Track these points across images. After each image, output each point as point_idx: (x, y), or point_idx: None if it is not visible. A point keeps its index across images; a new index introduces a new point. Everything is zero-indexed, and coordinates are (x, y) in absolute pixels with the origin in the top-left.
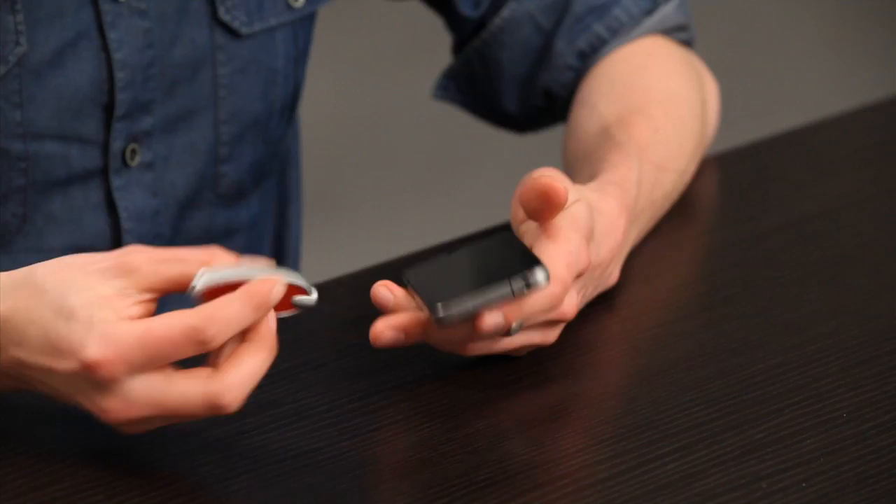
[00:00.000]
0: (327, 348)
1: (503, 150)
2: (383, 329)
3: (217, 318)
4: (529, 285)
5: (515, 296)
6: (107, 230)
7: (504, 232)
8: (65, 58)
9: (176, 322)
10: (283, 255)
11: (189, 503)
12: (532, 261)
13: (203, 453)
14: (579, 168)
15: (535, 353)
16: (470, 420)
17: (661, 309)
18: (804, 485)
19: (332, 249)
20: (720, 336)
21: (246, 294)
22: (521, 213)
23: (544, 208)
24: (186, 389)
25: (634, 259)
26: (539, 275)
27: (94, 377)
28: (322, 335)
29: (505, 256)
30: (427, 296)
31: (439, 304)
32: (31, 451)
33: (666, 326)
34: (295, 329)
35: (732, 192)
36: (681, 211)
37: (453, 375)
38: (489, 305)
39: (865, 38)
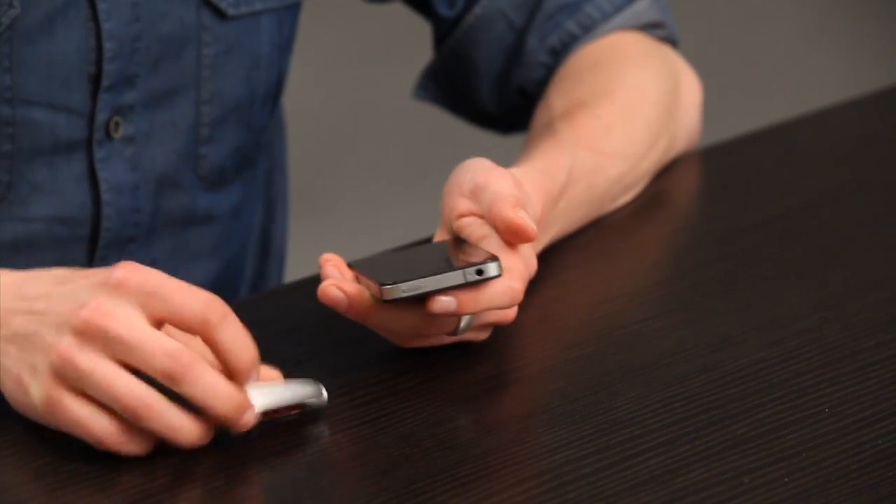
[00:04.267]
0: (309, 344)
1: (486, 146)
2: (329, 286)
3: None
4: (481, 272)
5: (467, 282)
6: (88, 202)
7: (454, 238)
8: (55, 24)
9: (187, 311)
10: (268, 254)
11: (171, 499)
12: (486, 254)
13: (184, 449)
14: (522, 157)
15: (518, 350)
16: (452, 416)
17: (642, 304)
18: (786, 479)
19: (316, 244)
20: (702, 332)
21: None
22: (462, 206)
23: (510, 239)
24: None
25: (616, 255)
26: (492, 266)
27: (110, 281)
28: (304, 331)
29: (456, 251)
30: (376, 275)
31: (389, 282)
32: (12, 447)
33: (647, 322)
34: (277, 325)
35: (713, 188)
36: (662, 206)
37: (436, 371)
38: (439, 290)
39: (846, 34)
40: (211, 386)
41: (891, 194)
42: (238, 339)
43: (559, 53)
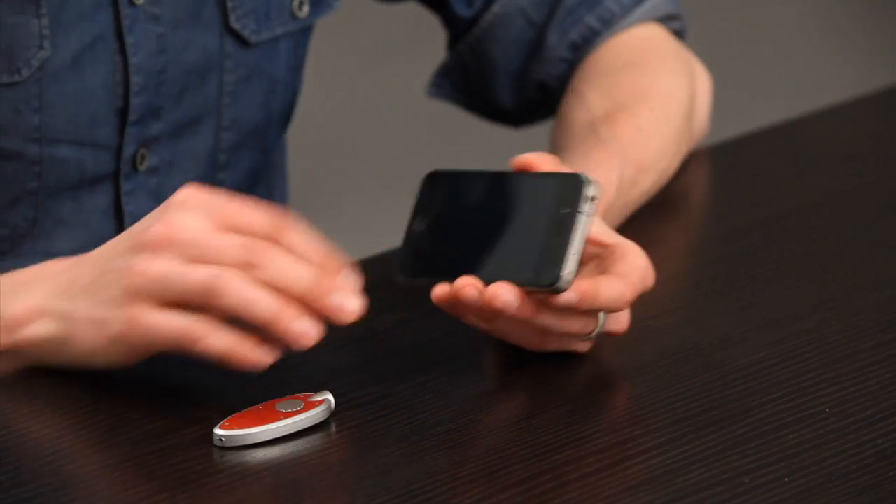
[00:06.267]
0: None
1: (487, 147)
2: (466, 284)
3: (268, 254)
4: (594, 198)
5: (589, 216)
6: (113, 234)
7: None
8: (83, 62)
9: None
10: None
11: (171, 499)
12: (569, 178)
13: (185, 449)
14: (564, 158)
15: (518, 350)
16: (453, 416)
17: (643, 304)
18: (787, 479)
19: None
20: (702, 331)
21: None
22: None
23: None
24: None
25: None
26: (593, 184)
27: (173, 201)
28: None
29: (523, 192)
30: (520, 274)
31: (560, 272)
32: (12, 447)
33: (648, 322)
34: None
35: (715, 188)
36: (663, 206)
37: (436, 371)
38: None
39: (846, 34)
40: (288, 266)
41: (891, 194)
42: (290, 272)
43: (580, 48)
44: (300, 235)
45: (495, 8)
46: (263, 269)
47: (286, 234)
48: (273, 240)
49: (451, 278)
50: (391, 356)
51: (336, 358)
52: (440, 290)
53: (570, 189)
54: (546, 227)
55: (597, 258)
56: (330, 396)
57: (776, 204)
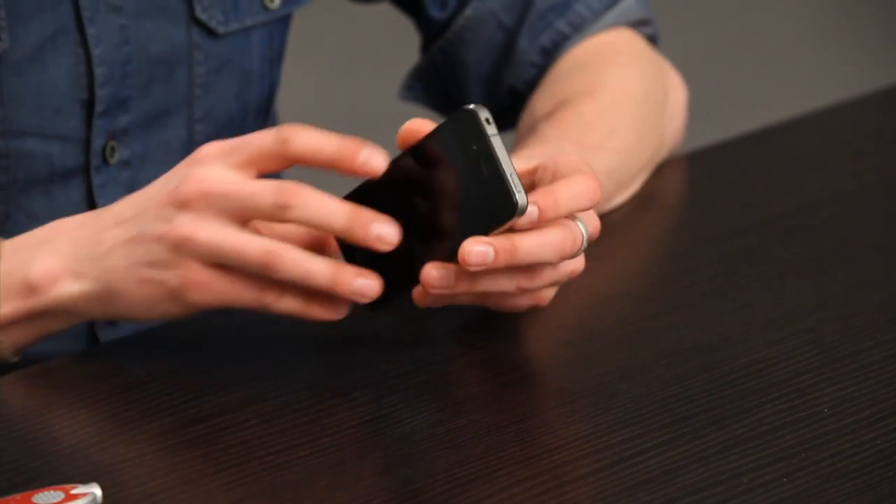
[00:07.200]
0: (309, 344)
1: None
2: (431, 269)
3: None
4: (489, 120)
5: (497, 136)
6: None
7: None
8: (44, 54)
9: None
10: None
11: (171, 499)
12: (456, 118)
13: (184, 449)
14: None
15: (517, 350)
16: (452, 416)
17: (641, 304)
18: (785, 480)
19: None
20: (701, 332)
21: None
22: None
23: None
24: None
25: (614, 254)
26: (480, 108)
27: (191, 161)
28: (303, 331)
29: (427, 159)
30: (480, 225)
31: (514, 198)
32: (12, 446)
33: (646, 322)
34: (276, 325)
35: (712, 188)
36: (661, 206)
37: (435, 371)
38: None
39: (846, 34)
40: (322, 203)
41: (890, 195)
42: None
43: (550, 53)
44: (309, 130)
45: (468, 11)
46: (298, 208)
47: (298, 137)
48: (286, 148)
49: (419, 280)
50: (389, 356)
51: (335, 358)
52: (418, 295)
53: (464, 126)
54: (470, 171)
55: (539, 185)
56: (97, 490)
57: (775, 204)
